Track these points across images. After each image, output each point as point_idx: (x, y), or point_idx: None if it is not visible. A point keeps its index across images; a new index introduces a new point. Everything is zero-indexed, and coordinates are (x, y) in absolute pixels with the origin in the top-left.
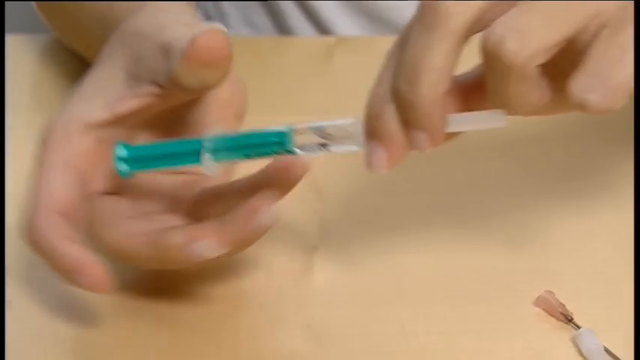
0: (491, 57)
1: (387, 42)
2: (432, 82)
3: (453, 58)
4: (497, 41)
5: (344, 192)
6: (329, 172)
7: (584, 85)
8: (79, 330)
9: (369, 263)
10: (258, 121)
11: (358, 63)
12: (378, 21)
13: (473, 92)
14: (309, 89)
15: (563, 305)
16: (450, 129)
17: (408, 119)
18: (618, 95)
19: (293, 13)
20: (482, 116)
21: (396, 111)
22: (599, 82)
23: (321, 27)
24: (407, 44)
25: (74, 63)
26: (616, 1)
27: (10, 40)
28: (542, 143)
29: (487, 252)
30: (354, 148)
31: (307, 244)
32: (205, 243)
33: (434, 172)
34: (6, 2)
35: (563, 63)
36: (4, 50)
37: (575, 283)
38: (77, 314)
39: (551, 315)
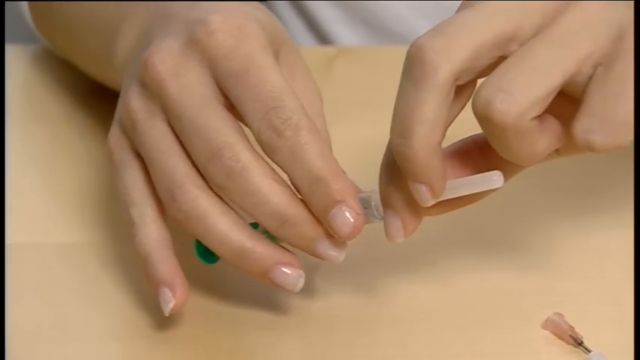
0: (483, 120)
1: (388, 52)
2: (424, 135)
3: (444, 108)
4: (484, 105)
5: None
6: None
7: (585, 127)
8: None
9: (370, 284)
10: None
11: (359, 74)
12: (379, 32)
13: (488, 151)
14: None
15: (573, 328)
16: (448, 195)
17: (406, 172)
18: (623, 131)
19: (293, 24)
20: (479, 179)
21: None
22: (600, 122)
23: (321, 38)
24: (397, 98)
25: (67, 73)
26: (607, 36)
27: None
28: (556, 163)
29: (493, 272)
30: (378, 220)
31: (307, 265)
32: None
33: None
34: None
35: (569, 105)
36: (4, 58)
37: (585, 304)
38: (70, 334)
39: (560, 338)
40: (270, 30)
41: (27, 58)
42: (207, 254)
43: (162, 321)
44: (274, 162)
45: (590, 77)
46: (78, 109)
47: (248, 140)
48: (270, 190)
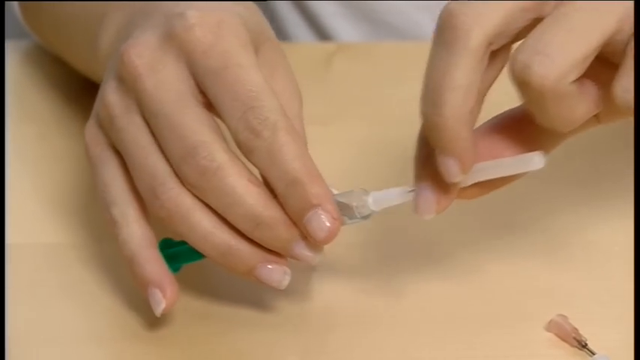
0: (520, 84)
1: (388, 48)
2: (455, 102)
3: (477, 75)
4: (522, 68)
5: None
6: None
7: (626, 86)
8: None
9: (369, 285)
10: None
11: (358, 70)
12: (381, 26)
13: (525, 125)
14: (306, 98)
15: (577, 330)
16: (489, 175)
17: (435, 144)
18: None
19: (292, 19)
20: (520, 160)
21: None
22: None
23: (321, 33)
24: (428, 65)
25: (56, 69)
26: None
27: None
28: (558, 157)
29: (495, 273)
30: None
31: (305, 265)
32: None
33: None
34: None
35: (606, 69)
36: (4, 59)
37: (589, 306)
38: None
39: (564, 340)
40: (252, 26)
41: (17, 55)
42: (170, 262)
43: (155, 322)
44: (251, 162)
45: (631, 35)
46: (66, 108)
47: (224, 140)
48: (245, 191)
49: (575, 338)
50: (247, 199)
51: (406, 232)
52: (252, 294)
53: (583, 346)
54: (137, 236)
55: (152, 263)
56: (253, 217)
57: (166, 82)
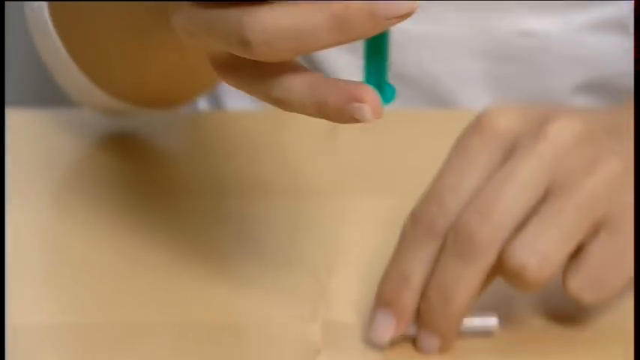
0: (512, 277)
1: (395, 116)
2: (465, 302)
3: (484, 279)
4: (519, 267)
5: (351, 288)
6: (335, 265)
7: (580, 285)
8: None
9: None
10: (255, 205)
11: (367, 138)
12: (399, 79)
13: None
14: (311, 170)
15: None
16: None
17: (429, 325)
18: (613, 295)
19: None
20: (479, 321)
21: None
22: (596, 286)
23: None
24: (438, 265)
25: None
26: (625, 201)
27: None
28: None
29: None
30: None
31: (309, 348)
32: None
33: None
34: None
35: None
36: (4, 60)
37: None
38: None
39: None
40: None
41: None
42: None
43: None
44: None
45: (592, 236)
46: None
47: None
48: (311, 13)
49: None
50: (318, 14)
51: None
52: (258, 312)
53: None
54: (298, 82)
55: (331, 84)
56: (334, 19)
57: None
